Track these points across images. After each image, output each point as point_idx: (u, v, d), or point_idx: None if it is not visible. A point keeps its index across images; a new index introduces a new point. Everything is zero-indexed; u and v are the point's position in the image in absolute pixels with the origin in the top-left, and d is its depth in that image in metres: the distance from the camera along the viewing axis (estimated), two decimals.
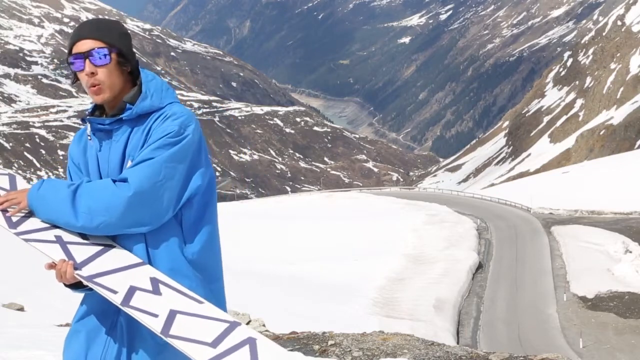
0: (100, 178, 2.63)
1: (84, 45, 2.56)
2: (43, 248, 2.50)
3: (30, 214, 2.55)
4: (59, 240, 2.52)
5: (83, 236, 2.55)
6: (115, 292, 2.44)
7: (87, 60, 2.55)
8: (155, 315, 2.41)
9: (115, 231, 2.49)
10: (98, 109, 2.69)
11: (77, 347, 2.61)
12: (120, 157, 2.60)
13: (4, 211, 2.55)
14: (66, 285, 2.55)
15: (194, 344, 2.35)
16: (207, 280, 2.65)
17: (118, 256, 2.54)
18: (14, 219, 2.55)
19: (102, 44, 2.56)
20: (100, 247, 2.54)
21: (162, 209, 2.50)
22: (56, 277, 2.50)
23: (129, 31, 2.70)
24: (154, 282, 2.50)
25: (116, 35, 2.59)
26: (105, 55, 2.55)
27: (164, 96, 2.65)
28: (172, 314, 2.42)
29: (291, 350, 7.70)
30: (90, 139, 2.65)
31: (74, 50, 2.57)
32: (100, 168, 2.64)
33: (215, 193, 2.73)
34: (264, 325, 11.94)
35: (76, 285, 2.54)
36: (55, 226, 2.53)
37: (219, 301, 2.67)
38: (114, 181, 2.49)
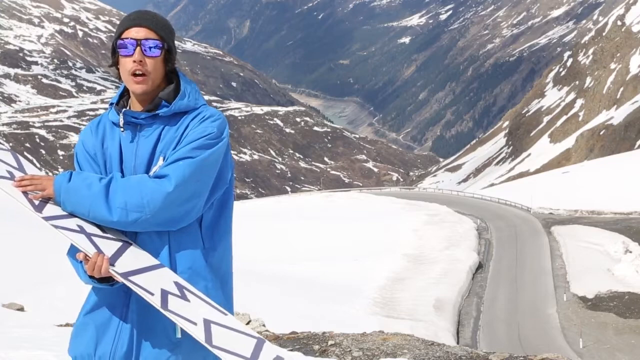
0: (121, 171, 2.60)
1: (138, 33, 2.56)
2: (74, 238, 2.47)
3: (49, 200, 2.52)
4: (82, 230, 2.50)
5: (101, 229, 2.52)
6: (152, 293, 2.43)
7: (138, 48, 2.55)
8: (195, 323, 2.42)
9: (149, 227, 2.48)
10: (122, 100, 2.68)
11: (86, 340, 2.59)
12: (149, 153, 2.58)
13: (25, 193, 2.52)
14: (90, 278, 2.51)
15: (237, 358, 2.37)
16: (221, 282, 2.66)
17: (138, 255, 2.52)
18: (36, 203, 2.52)
19: (156, 36, 2.58)
20: (120, 243, 2.52)
21: (195, 208, 2.52)
22: (87, 270, 2.47)
23: None
24: (179, 287, 2.49)
25: (169, 31, 2.63)
26: (157, 47, 2.57)
27: (199, 98, 2.68)
28: (207, 323, 2.43)
29: (291, 350, 7.70)
30: (123, 131, 2.61)
31: (126, 35, 2.56)
32: (125, 161, 2.61)
33: (232, 194, 2.74)
34: (264, 325, 11.94)
35: (102, 280, 2.51)
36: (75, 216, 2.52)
37: (230, 304, 2.69)
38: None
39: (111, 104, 2.67)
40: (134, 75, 2.55)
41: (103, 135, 2.66)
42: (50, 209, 2.51)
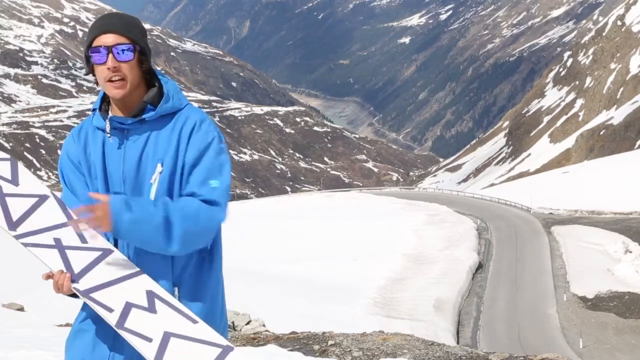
0: (105, 176, 2.60)
1: (108, 39, 2.52)
2: (41, 255, 2.48)
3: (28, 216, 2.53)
4: (57, 244, 2.50)
5: (83, 239, 2.53)
6: (111, 310, 2.42)
7: (110, 55, 2.52)
8: (149, 340, 2.38)
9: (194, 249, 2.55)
10: (103, 105, 2.66)
11: (82, 347, 2.59)
12: (137, 158, 2.57)
13: (6, 212, 2.52)
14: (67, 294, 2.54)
15: None
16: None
17: (116, 263, 2.51)
18: (14, 217, 2.51)
19: (126, 40, 2.53)
20: (99, 252, 2.52)
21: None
22: (53, 288, 2.48)
23: None
24: (150, 296, 2.47)
25: (139, 32, 2.58)
26: (130, 50, 2.53)
27: (182, 97, 2.68)
28: (166, 337, 2.40)
29: (291, 350, 7.70)
30: (110, 137, 2.60)
31: (96, 43, 2.53)
32: (110, 166, 2.60)
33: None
34: (264, 325, 11.93)
35: (75, 294, 2.52)
36: (57, 227, 2.52)
37: (216, 309, 2.68)
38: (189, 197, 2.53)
39: (94, 109, 2.66)
40: (111, 81, 2.53)
41: (85, 141, 2.65)
42: (31, 223, 2.52)
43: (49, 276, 2.48)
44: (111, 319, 2.41)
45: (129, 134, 2.59)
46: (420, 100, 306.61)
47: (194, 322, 2.46)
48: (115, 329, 2.41)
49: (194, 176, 2.55)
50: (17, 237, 2.50)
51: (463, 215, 53.01)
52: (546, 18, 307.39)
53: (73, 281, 2.45)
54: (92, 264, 2.49)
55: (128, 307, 2.43)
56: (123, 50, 2.52)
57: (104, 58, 2.52)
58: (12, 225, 2.52)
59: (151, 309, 2.44)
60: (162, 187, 2.56)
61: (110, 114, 2.60)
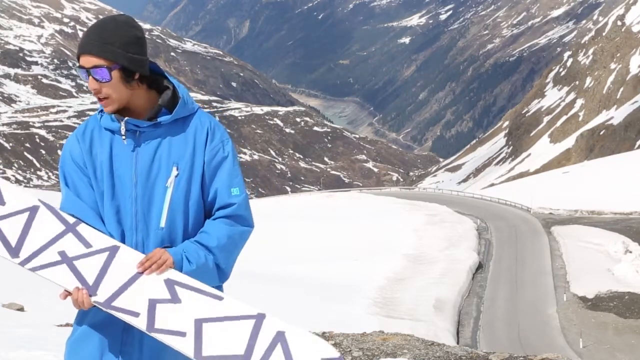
0: (112, 177, 2.57)
1: (87, 62, 2.51)
2: (52, 277, 2.44)
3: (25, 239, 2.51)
4: (64, 258, 2.46)
5: (86, 242, 2.50)
6: (137, 314, 2.40)
7: (90, 77, 2.51)
8: (183, 334, 2.37)
9: None
10: None
11: (89, 351, 2.54)
12: (150, 161, 2.57)
13: (3, 239, 2.49)
14: None
15: None
16: None
17: (127, 260, 2.48)
18: (13, 242, 2.47)
19: (103, 62, 2.49)
20: (107, 253, 2.49)
21: None
22: (74, 305, 2.47)
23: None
24: (170, 285, 2.45)
25: (120, 48, 2.50)
26: (105, 74, 2.50)
27: (193, 101, 2.69)
28: (198, 326, 2.39)
29: None
30: (124, 139, 2.58)
31: (80, 62, 2.54)
32: (119, 168, 2.58)
33: None
34: None
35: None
36: (57, 238, 2.51)
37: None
38: (218, 213, 2.66)
39: (101, 110, 2.64)
40: (99, 99, 2.54)
41: (90, 141, 2.62)
42: (30, 245, 2.48)
43: (66, 295, 2.45)
44: (140, 324, 2.39)
45: (142, 136, 2.58)
46: (420, 100, 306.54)
47: (220, 298, 2.46)
48: (147, 333, 2.39)
49: (215, 184, 2.64)
50: (22, 263, 2.46)
51: (463, 215, 52.99)
52: (546, 18, 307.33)
53: (91, 295, 2.43)
54: (103, 269, 2.46)
55: (152, 304, 2.41)
56: (99, 72, 2.50)
57: (86, 78, 2.54)
58: (14, 251, 2.47)
59: (174, 299, 2.42)
60: (178, 191, 2.57)
61: (125, 117, 2.58)
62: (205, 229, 2.60)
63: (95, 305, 2.45)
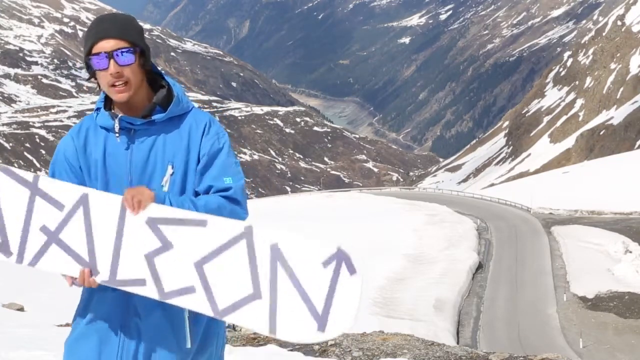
0: (106, 175, 2.56)
1: (107, 44, 2.48)
2: (53, 267, 2.44)
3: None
4: (48, 235, 2.44)
5: (56, 204, 2.45)
6: (143, 281, 2.38)
7: (111, 60, 2.48)
8: (193, 290, 2.35)
9: None
10: (106, 105, 2.63)
11: (87, 350, 2.53)
12: (145, 159, 2.56)
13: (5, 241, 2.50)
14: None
15: (246, 308, 2.32)
16: None
17: (105, 215, 2.43)
18: (9, 244, 2.48)
19: (126, 44, 2.50)
20: (80, 211, 2.43)
21: None
22: (85, 286, 2.50)
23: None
24: (154, 228, 2.40)
25: (136, 32, 2.54)
26: (130, 53, 2.50)
27: (188, 100, 2.68)
28: (201, 272, 2.35)
29: (291, 350, 7.70)
30: (118, 136, 2.57)
31: (95, 50, 2.49)
32: (113, 166, 2.57)
33: None
34: None
35: None
36: (32, 203, 2.45)
37: None
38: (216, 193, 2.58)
39: (97, 108, 2.63)
40: (114, 86, 2.50)
41: (85, 140, 2.61)
42: (14, 238, 2.46)
43: (72, 281, 2.48)
44: (151, 292, 2.38)
45: (136, 134, 2.57)
46: (420, 100, 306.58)
47: (204, 224, 2.41)
48: (161, 300, 2.39)
49: (209, 173, 2.58)
50: (18, 260, 2.46)
51: (463, 215, 52.99)
52: (546, 18, 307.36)
53: (93, 275, 2.43)
54: (88, 234, 2.43)
55: (150, 262, 2.39)
56: (123, 53, 2.49)
57: (106, 64, 2.49)
58: (7, 252, 2.47)
59: (165, 244, 2.39)
60: (174, 189, 2.56)
61: (120, 114, 2.57)
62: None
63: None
